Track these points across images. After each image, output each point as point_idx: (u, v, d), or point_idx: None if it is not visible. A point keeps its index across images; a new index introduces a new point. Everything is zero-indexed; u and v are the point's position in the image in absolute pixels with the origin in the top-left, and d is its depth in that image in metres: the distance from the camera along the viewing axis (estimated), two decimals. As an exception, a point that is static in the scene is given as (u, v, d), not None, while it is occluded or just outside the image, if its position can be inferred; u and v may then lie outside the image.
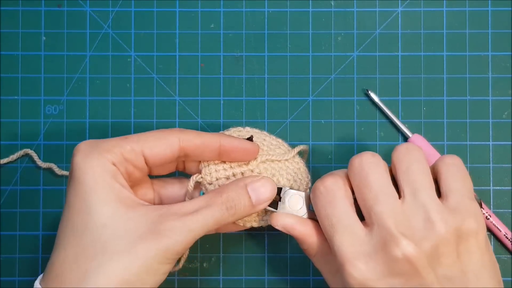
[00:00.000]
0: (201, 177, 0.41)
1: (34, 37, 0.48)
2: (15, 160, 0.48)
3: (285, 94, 0.48)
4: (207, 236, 0.47)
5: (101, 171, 0.36)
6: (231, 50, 0.49)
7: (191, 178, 0.41)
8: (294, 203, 0.41)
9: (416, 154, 0.38)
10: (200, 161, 0.42)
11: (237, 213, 0.38)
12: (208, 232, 0.40)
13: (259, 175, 0.40)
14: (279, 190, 0.40)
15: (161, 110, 0.48)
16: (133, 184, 0.40)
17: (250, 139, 0.42)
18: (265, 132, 0.44)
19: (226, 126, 0.45)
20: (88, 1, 0.49)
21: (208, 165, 0.41)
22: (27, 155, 0.48)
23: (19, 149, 0.48)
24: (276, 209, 0.41)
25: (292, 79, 0.48)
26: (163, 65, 0.48)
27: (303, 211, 0.41)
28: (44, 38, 0.48)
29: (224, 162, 0.41)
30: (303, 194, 0.41)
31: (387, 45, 0.49)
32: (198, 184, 0.42)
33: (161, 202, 0.43)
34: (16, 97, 0.48)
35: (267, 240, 0.48)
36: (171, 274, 0.47)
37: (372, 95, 0.48)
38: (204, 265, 0.47)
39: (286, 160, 0.43)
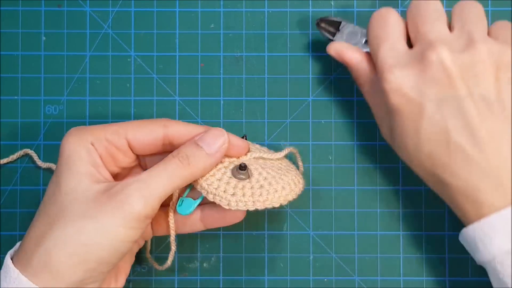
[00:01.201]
0: None
1: (34, 37, 0.48)
2: (15, 160, 0.48)
3: (285, 94, 0.48)
4: (207, 236, 0.47)
5: (76, 148, 0.38)
6: (231, 50, 0.49)
7: None
8: (351, 37, 0.44)
9: (474, 4, 0.41)
10: None
11: (192, 163, 0.38)
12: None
13: (208, 129, 0.40)
14: (338, 23, 0.45)
15: (161, 110, 0.48)
16: (123, 171, 0.41)
17: (243, 137, 0.42)
18: (258, 145, 0.45)
19: (226, 126, 0.45)
20: (88, 1, 0.49)
21: None
22: (27, 155, 0.48)
23: (19, 149, 0.48)
24: (334, 38, 0.44)
25: (292, 79, 0.48)
26: (163, 65, 0.48)
27: (359, 45, 0.44)
28: (44, 38, 0.48)
29: None
30: (361, 29, 0.44)
31: (387, 45, 0.49)
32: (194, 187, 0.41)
33: None
34: (16, 97, 0.48)
35: (267, 240, 0.48)
36: (160, 274, 0.47)
37: (372, 95, 0.48)
38: (204, 265, 0.47)
39: (279, 162, 0.43)
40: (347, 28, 0.44)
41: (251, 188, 0.40)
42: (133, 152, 0.40)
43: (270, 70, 0.48)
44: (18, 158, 0.48)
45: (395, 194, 0.48)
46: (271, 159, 0.43)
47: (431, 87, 0.38)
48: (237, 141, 0.41)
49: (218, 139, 0.39)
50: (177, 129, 0.40)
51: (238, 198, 0.40)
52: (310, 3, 0.49)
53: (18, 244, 0.39)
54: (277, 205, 0.40)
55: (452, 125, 0.37)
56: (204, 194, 0.40)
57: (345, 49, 0.43)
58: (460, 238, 0.40)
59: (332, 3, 0.49)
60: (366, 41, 0.43)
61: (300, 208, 0.47)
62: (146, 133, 0.39)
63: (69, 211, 0.36)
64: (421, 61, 0.38)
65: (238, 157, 0.42)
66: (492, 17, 0.48)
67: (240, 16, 0.49)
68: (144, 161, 0.43)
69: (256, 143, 0.45)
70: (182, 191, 0.43)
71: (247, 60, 0.49)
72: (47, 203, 0.38)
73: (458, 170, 0.38)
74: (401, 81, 0.38)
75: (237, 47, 0.49)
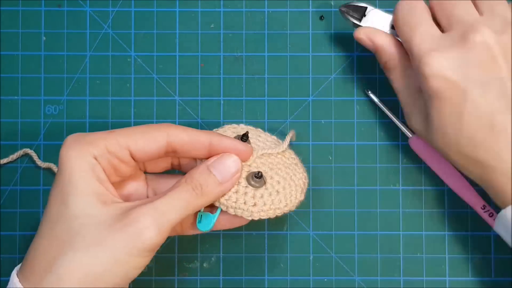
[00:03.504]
0: None
1: (34, 37, 0.48)
2: (15, 160, 0.48)
3: (285, 94, 0.48)
4: (207, 236, 0.47)
5: (80, 163, 0.36)
6: (231, 50, 0.49)
7: None
8: (378, 22, 0.44)
9: None
10: (194, 159, 0.41)
11: (205, 192, 0.37)
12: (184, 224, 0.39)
13: (222, 155, 0.39)
14: (364, 9, 0.44)
15: (161, 110, 0.48)
16: (123, 178, 0.40)
17: (245, 135, 0.41)
18: (260, 129, 0.44)
19: (226, 126, 0.45)
20: (88, 1, 0.49)
21: None
22: (27, 155, 0.48)
23: (19, 149, 0.48)
24: (360, 23, 0.44)
25: (292, 79, 0.48)
26: (163, 65, 0.48)
27: (385, 30, 0.44)
28: (44, 38, 0.48)
29: None
30: (387, 14, 0.44)
31: (387, 45, 0.49)
32: None
33: None
34: (16, 97, 0.48)
35: (267, 240, 0.48)
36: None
37: (372, 95, 0.48)
38: (204, 265, 0.47)
39: (283, 154, 0.42)
40: (373, 14, 0.44)
41: (270, 195, 0.40)
42: (134, 159, 0.39)
43: (270, 70, 0.48)
44: (18, 158, 0.48)
45: (395, 194, 0.48)
46: (275, 155, 0.42)
47: (475, 69, 0.38)
48: (238, 145, 0.40)
49: (231, 168, 0.39)
50: (180, 137, 0.38)
51: (259, 208, 0.40)
52: (310, 3, 0.49)
53: (24, 258, 0.37)
54: (294, 209, 0.41)
55: (496, 107, 0.38)
56: (224, 209, 0.40)
57: (374, 33, 0.43)
58: (497, 222, 0.40)
59: (332, 3, 0.49)
60: (392, 27, 0.44)
61: (300, 208, 0.47)
62: (149, 142, 0.38)
63: (81, 237, 0.35)
64: (463, 44, 0.38)
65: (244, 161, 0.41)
66: (492, 17, 0.48)
67: (240, 16, 0.49)
68: (143, 164, 0.42)
69: (249, 125, 0.44)
70: None
71: (247, 60, 0.49)
72: (55, 224, 0.36)
73: (502, 152, 0.38)
74: (443, 64, 0.38)
75: (237, 47, 0.49)
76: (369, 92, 0.48)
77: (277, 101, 0.48)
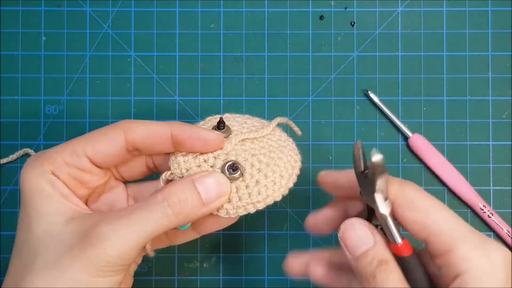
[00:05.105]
0: (171, 173, 0.36)
1: (34, 37, 0.48)
2: (15, 160, 0.48)
3: (285, 94, 0.48)
4: (207, 236, 0.47)
5: (38, 183, 0.34)
6: (231, 50, 0.49)
7: (161, 176, 0.36)
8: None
9: None
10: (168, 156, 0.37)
11: (184, 212, 0.33)
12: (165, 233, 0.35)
13: (207, 171, 0.35)
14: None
15: (161, 110, 0.48)
16: (93, 189, 0.37)
17: (221, 122, 0.37)
18: (247, 115, 0.40)
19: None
20: (88, 1, 0.49)
21: (176, 158, 0.36)
22: (27, 155, 0.48)
23: (19, 149, 0.48)
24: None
25: (292, 79, 0.48)
26: (163, 65, 0.48)
27: None
28: (44, 38, 0.48)
29: None
30: None
31: (387, 45, 0.49)
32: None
33: None
34: (16, 97, 0.48)
35: (267, 240, 0.48)
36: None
37: (372, 95, 0.48)
38: (204, 265, 0.47)
39: (270, 138, 0.38)
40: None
41: (247, 187, 0.35)
42: (98, 167, 0.36)
43: (270, 70, 0.48)
44: (18, 158, 0.48)
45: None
46: (259, 139, 0.38)
47: None
48: (203, 133, 0.36)
49: (220, 188, 0.34)
50: (137, 132, 0.35)
51: (235, 204, 0.35)
52: (310, 3, 0.49)
53: None
54: (279, 199, 0.36)
55: None
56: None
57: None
58: None
59: (332, 3, 0.49)
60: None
61: (300, 208, 0.47)
62: (107, 143, 0.35)
63: (41, 260, 0.33)
64: None
65: (221, 149, 0.36)
66: (492, 17, 0.48)
67: (240, 16, 0.49)
68: (118, 172, 0.39)
69: (235, 113, 0.41)
70: None
71: (247, 60, 0.49)
72: (21, 249, 0.34)
73: None
74: None
75: (237, 47, 0.49)
76: (369, 92, 0.48)
77: (277, 101, 0.48)
